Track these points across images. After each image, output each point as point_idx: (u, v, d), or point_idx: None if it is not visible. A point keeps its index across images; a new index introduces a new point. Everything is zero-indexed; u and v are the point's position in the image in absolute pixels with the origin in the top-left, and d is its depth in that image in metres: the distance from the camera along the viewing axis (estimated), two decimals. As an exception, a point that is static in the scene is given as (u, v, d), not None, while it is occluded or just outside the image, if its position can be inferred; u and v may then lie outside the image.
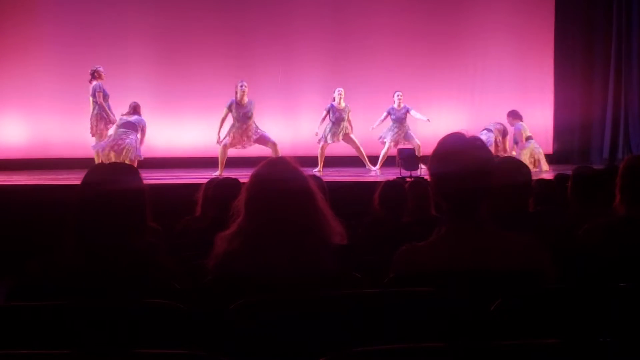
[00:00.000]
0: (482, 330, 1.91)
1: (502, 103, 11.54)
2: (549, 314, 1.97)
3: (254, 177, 2.35)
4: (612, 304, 1.99)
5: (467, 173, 2.17)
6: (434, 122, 10.51)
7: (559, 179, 5.52)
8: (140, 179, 2.37)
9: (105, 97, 9.97)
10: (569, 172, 4.57)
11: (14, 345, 1.76)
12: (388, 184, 4.58)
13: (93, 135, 9.95)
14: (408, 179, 6.58)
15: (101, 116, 9.86)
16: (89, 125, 9.94)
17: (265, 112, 11.69)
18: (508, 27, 12.39)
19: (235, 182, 4.05)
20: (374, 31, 12.33)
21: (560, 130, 12.44)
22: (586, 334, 1.89)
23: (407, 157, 9.52)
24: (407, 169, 9.29)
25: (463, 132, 2.26)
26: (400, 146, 10.39)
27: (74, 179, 9.22)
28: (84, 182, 2.31)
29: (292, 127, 12.36)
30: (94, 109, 9.90)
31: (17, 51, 12.05)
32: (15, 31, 12.06)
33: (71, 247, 2.21)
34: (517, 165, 3.14)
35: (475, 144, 2.23)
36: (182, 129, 12.21)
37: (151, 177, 9.18)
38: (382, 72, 11.87)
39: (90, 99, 9.93)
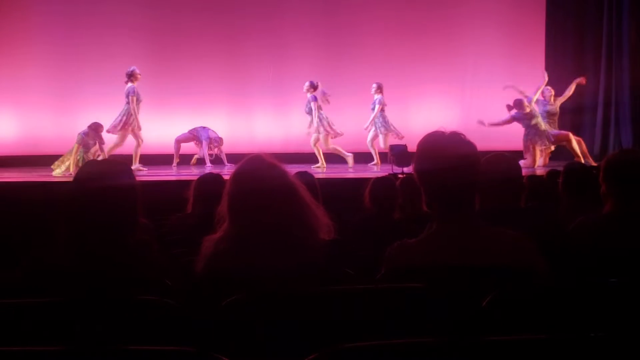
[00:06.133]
0: (473, 326, 1.91)
1: (493, 98, 11.55)
2: (540, 309, 1.97)
3: (232, 177, 2.35)
4: (602, 300, 2.00)
5: (451, 169, 2.17)
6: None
7: (551, 175, 5.55)
8: (132, 176, 2.36)
9: (138, 101, 10.00)
10: (561, 168, 4.59)
11: (6, 343, 1.75)
12: (377, 180, 4.57)
13: (108, 132, 9.98)
14: (400, 175, 6.57)
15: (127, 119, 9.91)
16: (111, 121, 9.96)
17: (256, 109, 11.69)
18: (499, 22, 12.42)
19: (224, 178, 4.04)
20: (364, 27, 12.33)
21: (551, 126, 12.47)
22: (576, 329, 1.90)
23: (399, 154, 9.50)
24: (399, 166, 9.27)
25: (442, 129, 2.25)
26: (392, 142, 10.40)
27: (65, 175, 9.21)
28: (76, 178, 2.30)
29: (283, 124, 12.35)
30: (124, 109, 9.95)
31: (8, 47, 12.00)
32: (5, 27, 12.00)
33: (63, 243, 2.20)
34: (506, 160, 3.14)
35: (456, 139, 2.23)
36: (174, 126, 12.17)
37: (142, 174, 9.17)
38: (374, 68, 11.85)
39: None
